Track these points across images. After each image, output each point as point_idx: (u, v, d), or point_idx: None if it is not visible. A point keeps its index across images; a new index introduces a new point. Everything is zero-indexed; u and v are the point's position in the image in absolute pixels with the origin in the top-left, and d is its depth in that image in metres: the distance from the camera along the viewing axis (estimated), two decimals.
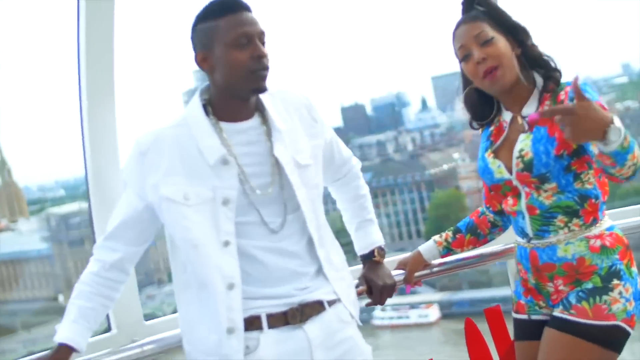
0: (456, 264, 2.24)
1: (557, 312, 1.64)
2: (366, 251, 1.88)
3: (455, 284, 45.72)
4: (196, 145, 1.47)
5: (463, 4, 1.80)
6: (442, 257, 2.07)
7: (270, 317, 1.45)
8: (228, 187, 1.44)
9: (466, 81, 1.81)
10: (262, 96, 1.54)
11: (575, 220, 1.63)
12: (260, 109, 1.55)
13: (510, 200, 1.72)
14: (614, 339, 1.59)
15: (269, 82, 1.49)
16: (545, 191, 1.64)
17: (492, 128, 1.82)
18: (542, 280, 1.69)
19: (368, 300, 1.88)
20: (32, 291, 49.34)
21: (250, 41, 1.42)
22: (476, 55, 1.63)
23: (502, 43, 1.65)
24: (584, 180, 1.64)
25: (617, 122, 1.25)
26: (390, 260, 2.11)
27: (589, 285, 1.61)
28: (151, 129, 1.59)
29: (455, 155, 54.57)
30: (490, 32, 1.66)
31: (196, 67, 1.52)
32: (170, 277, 1.67)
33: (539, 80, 1.73)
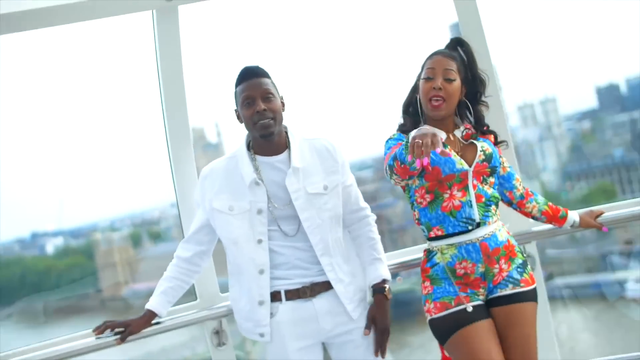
0: None
1: (509, 290, 2.00)
2: (377, 280, 2.13)
3: None
4: (239, 172, 2.04)
5: (451, 41, 2.26)
6: None
7: (287, 292, 1.99)
8: (260, 201, 1.99)
9: (414, 91, 2.22)
10: (293, 140, 2.08)
11: (497, 210, 2.10)
12: (289, 148, 2.07)
13: (458, 194, 1.98)
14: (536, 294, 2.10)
15: (272, 129, 1.96)
16: (487, 184, 2.07)
17: None
18: (491, 264, 1.98)
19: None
20: None
21: (253, 101, 1.94)
22: (437, 83, 1.99)
23: (457, 86, 2.05)
24: (498, 183, 2.20)
25: None
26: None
27: (520, 261, 2.08)
28: (212, 162, 2.21)
29: None
30: (455, 74, 2.04)
31: None
32: None
33: (463, 116, 2.24)
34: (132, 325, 2.11)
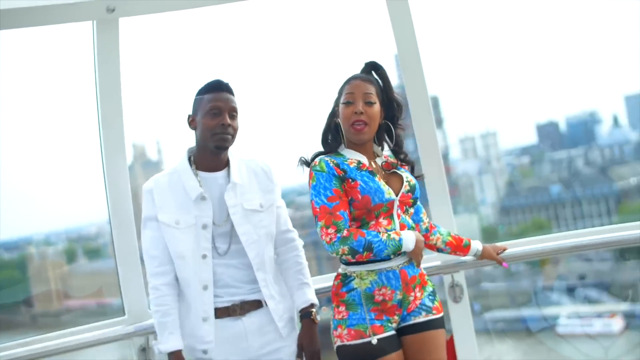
0: None
1: (422, 318, 2.06)
2: (305, 305, 2.17)
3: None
4: (183, 186, 2.03)
5: (366, 65, 2.25)
6: None
7: (217, 310, 1.97)
8: (206, 216, 2.00)
9: (332, 116, 2.21)
10: (232, 158, 2.12)
11: None
12: (228, 166, 2.10)
13: (384, 222, 2.01)
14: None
15: (228, 144, 2.04)
16: (408, 214, 2.14)
17: (350, 163, 2.07)
18: (408, 292, 2.03)
19: None
20: None
21: (220, 113, 1.98)
22: (358, 107, 2.00)
23: (377, 109, 2.08)
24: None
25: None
26: None
27: (430, 289, 2.15)
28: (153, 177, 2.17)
29: None
30: (375, 97, 2.07)
31: None
32: None
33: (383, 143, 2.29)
34: None
